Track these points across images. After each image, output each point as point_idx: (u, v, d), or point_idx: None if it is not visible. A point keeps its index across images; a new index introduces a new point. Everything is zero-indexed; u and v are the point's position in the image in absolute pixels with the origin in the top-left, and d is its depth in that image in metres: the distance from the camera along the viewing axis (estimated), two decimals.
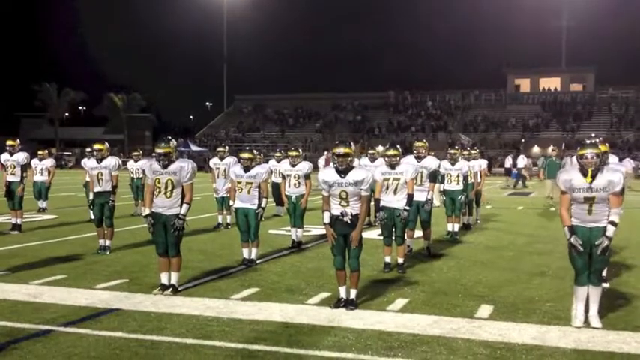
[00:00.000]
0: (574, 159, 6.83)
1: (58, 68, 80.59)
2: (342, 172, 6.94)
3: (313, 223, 13.31)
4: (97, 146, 10.66)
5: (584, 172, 6.26)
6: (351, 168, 7.00)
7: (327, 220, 7.03)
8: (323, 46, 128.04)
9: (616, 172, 6.33)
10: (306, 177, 11.17)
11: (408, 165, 9.14)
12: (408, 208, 8.85)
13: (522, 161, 31.65)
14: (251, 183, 9.40)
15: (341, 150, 6.95)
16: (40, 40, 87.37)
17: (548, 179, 20.17)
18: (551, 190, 19.49)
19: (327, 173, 7.05)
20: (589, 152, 6.23)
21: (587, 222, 6.30)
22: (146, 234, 8.11)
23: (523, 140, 58.05)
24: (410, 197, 8.87)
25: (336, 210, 6.96)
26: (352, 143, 7.37)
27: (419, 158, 10.10)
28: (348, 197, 6.91)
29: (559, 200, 6.63)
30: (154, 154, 7.73)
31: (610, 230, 6.23)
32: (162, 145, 7.64)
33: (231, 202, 9.76)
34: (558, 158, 20.95)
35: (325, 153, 27.20)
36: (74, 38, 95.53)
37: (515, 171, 31.90)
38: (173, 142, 7.75)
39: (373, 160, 14.13)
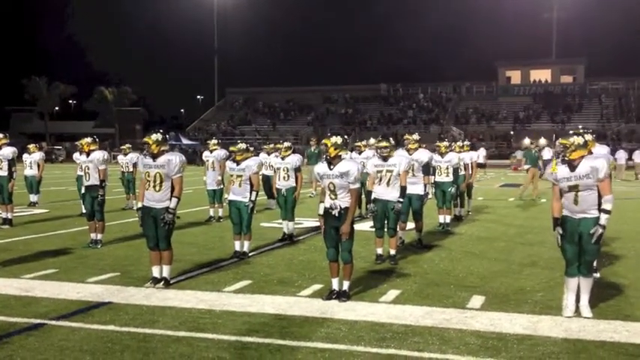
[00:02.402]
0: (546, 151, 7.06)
1: (48, 62, 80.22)
2: (331, 163, 6.98)
3: (305, 215, 13.32)
4: (83, 141, 10.66)
5: (570, 163, 6.33)
6: (340, 160, 7.02)
7: (321, 211, 7.05)
8: (314, 39, 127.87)
9: (598, 158, 6.35)
10: (297, 170, 11.15)
11: (401, 157, 9.15)
12: (401, 200, 8.88)
13: (548, 153, 31.38)
14: (241, 176, 9.41)
15: (326, 141, 7.05)
16: (30, 34, 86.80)
17: None
18: None
19: (320, 165, 7.11)
20: (568, 142, 6.36)
21: (575, 212, 6.34)
22: (137, 227, 8.10)
23: (512, 132, 58.24)
24: (403, 189, 8.89)
25: (327, 202, 7.00)
26: (346, 136, 7.43)
27: (409, 151, 10.13)
28: (335, 189, 6.93)
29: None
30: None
31: (603, 218, 6.26)
32: (156, 132, 7.74)
33: (225, 195, 9.77)
34: (537, 151, 20.97)
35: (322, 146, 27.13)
36: (64, 32, 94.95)
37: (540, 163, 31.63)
38: (156, 135, 7.69)
39: (360, 152, 14.11)
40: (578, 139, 6.32)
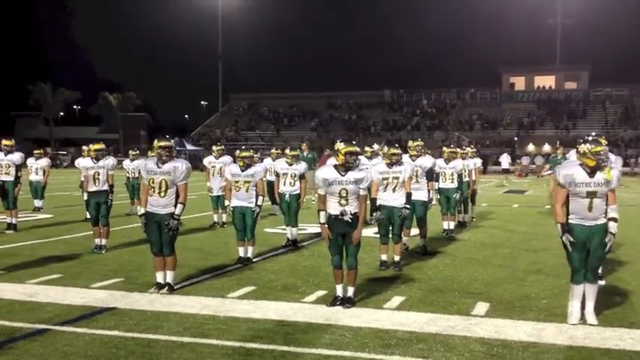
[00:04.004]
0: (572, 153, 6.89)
1: (53, 68, 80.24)
2: (343, 170, 6.95)
3: (308, 221, 13.32)
4: (97, 146, 10.69)
5: (590, 168, 6.25)
6: (352, 166, 7.02)
7: (322, 219, 7.03)
8: (318, 45, 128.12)
9: (614, 168, 6.40)
10: (301, 176, 11.20)
11: (406, 164, 9.18)
12: (408, 206, 8.90)
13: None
14: (249, 182, 9.41)
15: (353, 148, 6.97)
16: (34, 40, 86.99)
17: None
18: None
19: (327, 171, 7.05)
20: (603, 148, 6.25)
21: (587, 219, 6.29)
22: (142, 233, 8.11)
23: (516, 138, 58.19)
24: (409, 196, 8.90)
25: (335, 209, 6.96)
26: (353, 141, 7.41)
27: (414, 157, 10.14)
28: (347, 195, 6.92)
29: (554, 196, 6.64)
30: (151, 154, 7.76)
31: (613, 227, 6.30)
32: (166, 138, 7.75)
33: (226, 202, 9.74)
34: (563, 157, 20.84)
35: (326, 151, 27.10)
36: (68, 38, 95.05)
37: None
38: (174, 140, 7.84)
39: (370, 158, 14.04)
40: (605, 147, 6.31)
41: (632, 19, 77.67)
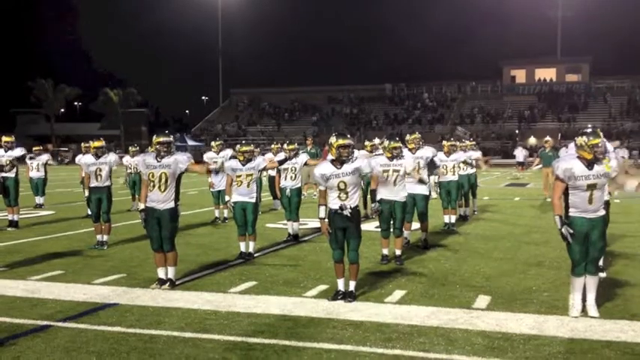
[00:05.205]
0: (563, 149, 6.93)
1: (54, 64, 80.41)
2: (339, 163, 6.96)
3: (310, 216, 13.32)
4: (97, 144, 10.69)
5: (587, 161, 6.25)
6: (347, 159, 7.03)
7: (322, 214, 7.03)
8: (318, 39, 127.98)
9: (614, 159, 6.46)
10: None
11: (407, 157, 9.20)
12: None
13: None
14: (251, 175, 9.40)
15: (346, 141, 6.97)
16: (35, 37, 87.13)
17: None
18: None
19: (324, 167, 7.05)
20: (600, 141, 6.24)
21: (588, 212, 6.28)
22: (143, 229, 8.11)
23: (517, 131, 58.16)
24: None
25: (335, 204, 6.97)
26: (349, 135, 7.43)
27: (413, 150, 10.14)
28: (346, 187, 6.93)
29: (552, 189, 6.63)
30: (150, 149, 7.78)
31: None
32: (164, 134, 7.79)
33: (227, 197, 9.73)
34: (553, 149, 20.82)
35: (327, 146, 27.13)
36: (70, 34, 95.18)
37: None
38: (171, 136, 7.87)
39: (371, 152, 14.06)
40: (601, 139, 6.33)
41: (634, 10, 77.48)
